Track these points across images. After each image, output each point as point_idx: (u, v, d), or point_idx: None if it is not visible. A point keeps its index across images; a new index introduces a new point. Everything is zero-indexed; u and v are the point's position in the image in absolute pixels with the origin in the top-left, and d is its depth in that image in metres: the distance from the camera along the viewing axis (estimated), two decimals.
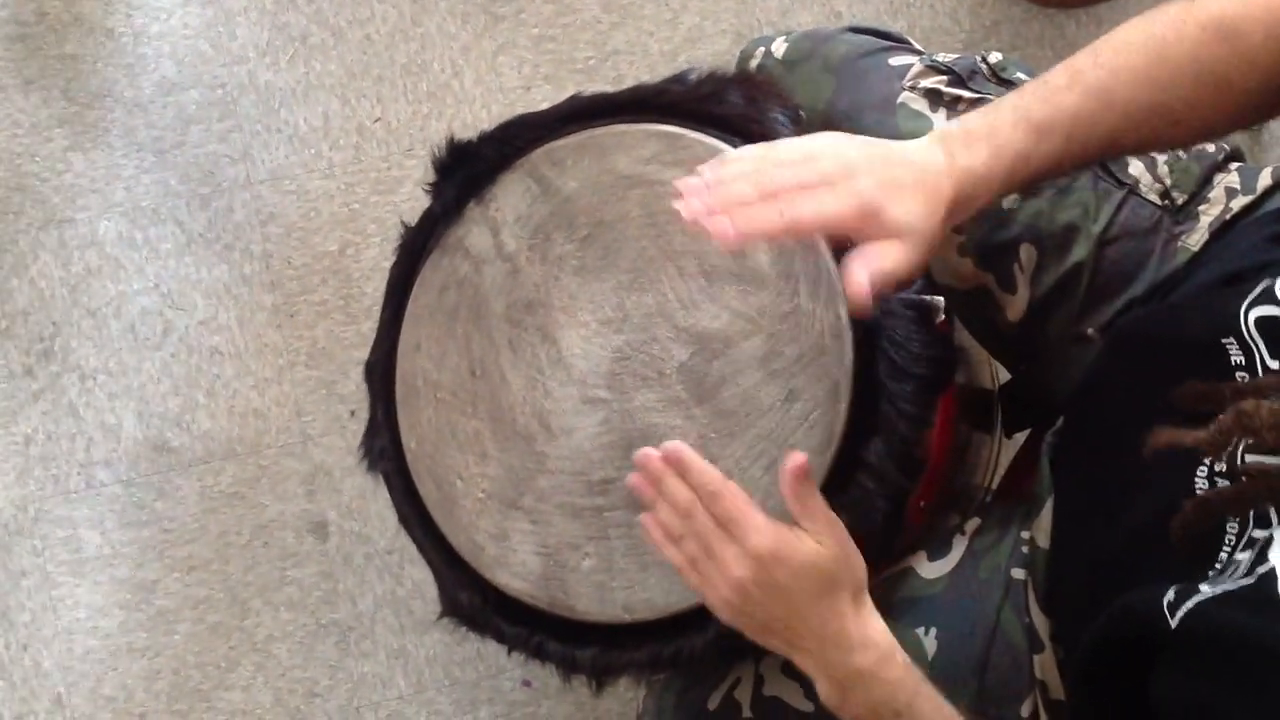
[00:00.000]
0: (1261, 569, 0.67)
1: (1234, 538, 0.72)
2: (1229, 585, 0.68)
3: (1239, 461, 0.72)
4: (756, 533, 0.81)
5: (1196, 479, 0.75)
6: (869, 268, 0.80)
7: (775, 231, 0.80)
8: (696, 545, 0.84)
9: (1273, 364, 0.73)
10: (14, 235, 1.69)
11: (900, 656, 0.84)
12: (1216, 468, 0.74)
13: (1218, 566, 0.72)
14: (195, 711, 1.64)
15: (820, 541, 0.82)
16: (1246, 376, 0.74)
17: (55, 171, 1.71)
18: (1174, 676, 0.70)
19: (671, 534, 0.86)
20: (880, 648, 0.83)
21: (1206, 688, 0.67)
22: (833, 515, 0.84)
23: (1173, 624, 0.69)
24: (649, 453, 0.86)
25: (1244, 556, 0.70)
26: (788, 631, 0.84)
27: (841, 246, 0.92)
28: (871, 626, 0.84)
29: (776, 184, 0.80)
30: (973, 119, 0.84)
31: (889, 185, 0.80)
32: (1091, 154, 0.85)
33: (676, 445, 0.84)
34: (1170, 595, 0.70)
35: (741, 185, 0.81)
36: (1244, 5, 0.80)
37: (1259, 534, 0.70)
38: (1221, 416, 0.71)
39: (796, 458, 0.82)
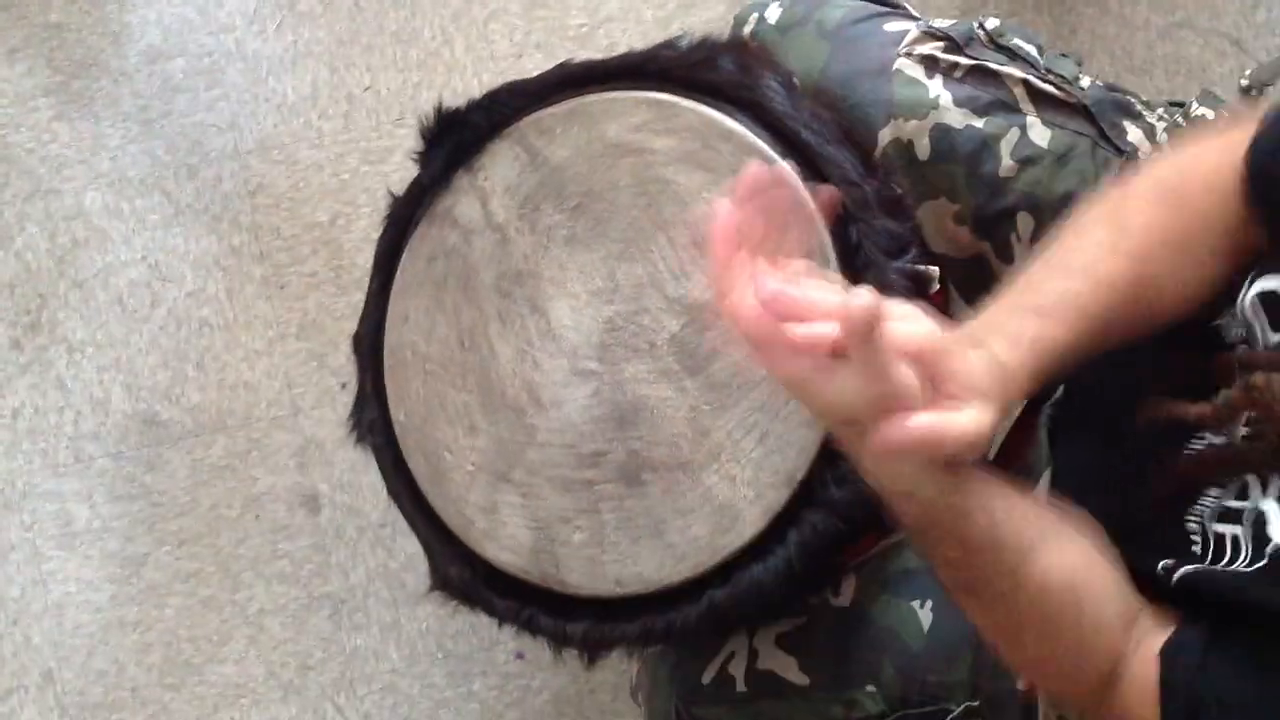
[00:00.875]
0: (1269, 547, 0.66)
1: (1210, 513, 0.72)
2: (1244, 568, 0.68)
3: (1238, 438, 0.72)
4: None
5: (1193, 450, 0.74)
6: (934, 425, 0.66)
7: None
8: None
9: (1274, 337, 0.72)
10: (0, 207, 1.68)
11: (986, 493, 0.71)
12: (1215, 441, 0.73)
13: (1194, 539, 0.71)
14: (187, 685, 1.63)
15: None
16: (1247, 349, 0.74)
17: (41, 142, 1.69)
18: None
19: None
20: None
21: (1219, 647, 0.67)
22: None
23: (1170, 584, 0.69)
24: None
25: (1225, 530, 0.70)
26: None
27: (837, 216, 0.91)
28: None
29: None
30: (968, 326, 0.75)
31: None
32: (1098, 334, 0.77)
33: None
34: (1164, 565, 0.70)
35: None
36: (1178, 166, 0.79)
37: (1235, 504, 0.70)
38: (1230, 391, 0.70)
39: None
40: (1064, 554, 0.72)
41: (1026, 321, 0.74)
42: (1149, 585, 0.72)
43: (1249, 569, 0.67)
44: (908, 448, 0.64)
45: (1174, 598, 0.71)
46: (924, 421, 0.64)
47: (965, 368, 0.67)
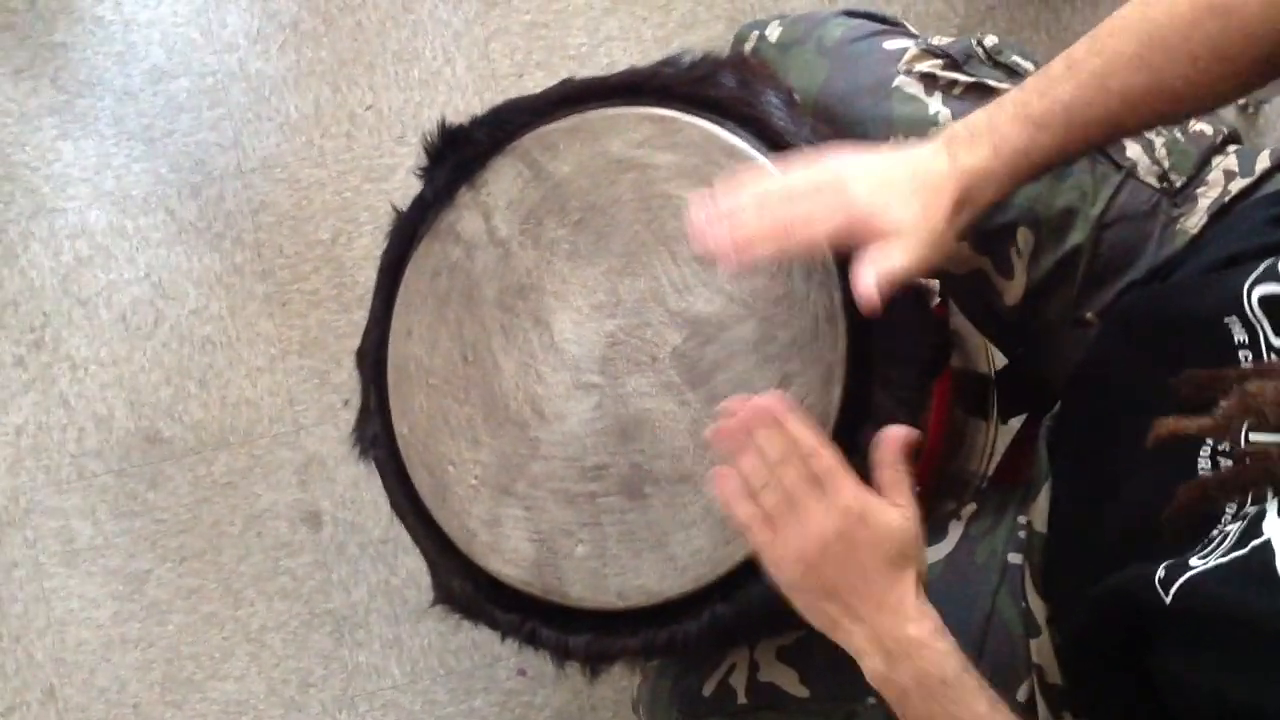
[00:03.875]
0: (1255, 541, 0.66)
1: (1230, 517, 0.72)
2: (1220, 558, 0.68)
3: (1243, 442, 0.72)
4: (849, 490, 0.81)
5: (1200, 459, 0.74)
6: (874, 267, 0.83)
7: (775, 253, 0.86)
8: (779, 497, 0.83)
9: (1277, 341, 0.72)
10: (4, 225, 1.68)
11: (949, 636, 0.83)
12: (1220, 447, 0.74)
13: (1206, 542, 0.71)
14: (189, 702, 1.63)
15: (904, 515, 0.82)
16: (1250, 355, 0.74)
17: (45, 160, 1.70)
18: (1174, 652, 0.70)
19: (751, 486, 0.85)
20: (934, 621, 0.82)
21: (1205, 663, 0.67)
22: (914, 499, 0.84)
23: (1167, 600, 0.69)
24: (740, 401, 0.85)
25: (1234, 528, 0.70)
26: (850, 594, 0.83)
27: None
28: (928, 605, 0.83)
29: (782, 218, 0.85)
30: (976, 116, 0.86)
31: (882, 189, 0.84)
32: (1093, 140, 0.86)
33: (774, 401, 0.84)
34: (1161, 573, 0.70)
35: (749, 219, 0.86)
36: None
37: (1252, 509, 0.70)
38: (1226, 400, 0.71)
39: (899, 429, 0.83)
40: None
41: (1019, 131, 0.84)
42: (1144, 604, 0.72)
43: (1225, 558, 0.67)
44: (872, 287, 0.82)
45: (1168, 624, 0.71)
46: (864, 261, 0.83)
47: (890, 218, 0.83)
